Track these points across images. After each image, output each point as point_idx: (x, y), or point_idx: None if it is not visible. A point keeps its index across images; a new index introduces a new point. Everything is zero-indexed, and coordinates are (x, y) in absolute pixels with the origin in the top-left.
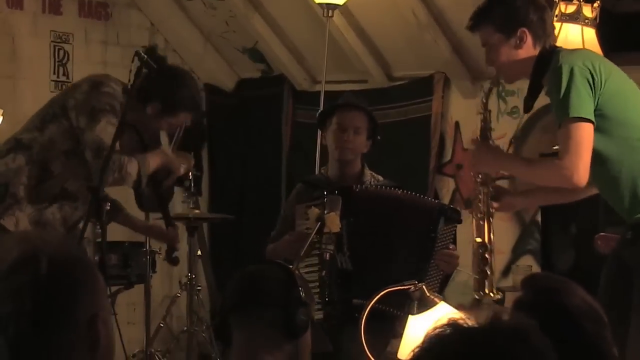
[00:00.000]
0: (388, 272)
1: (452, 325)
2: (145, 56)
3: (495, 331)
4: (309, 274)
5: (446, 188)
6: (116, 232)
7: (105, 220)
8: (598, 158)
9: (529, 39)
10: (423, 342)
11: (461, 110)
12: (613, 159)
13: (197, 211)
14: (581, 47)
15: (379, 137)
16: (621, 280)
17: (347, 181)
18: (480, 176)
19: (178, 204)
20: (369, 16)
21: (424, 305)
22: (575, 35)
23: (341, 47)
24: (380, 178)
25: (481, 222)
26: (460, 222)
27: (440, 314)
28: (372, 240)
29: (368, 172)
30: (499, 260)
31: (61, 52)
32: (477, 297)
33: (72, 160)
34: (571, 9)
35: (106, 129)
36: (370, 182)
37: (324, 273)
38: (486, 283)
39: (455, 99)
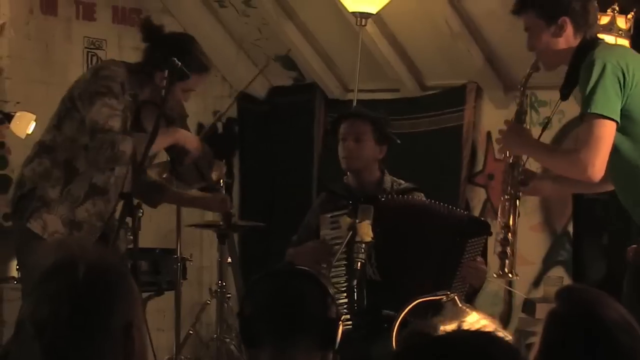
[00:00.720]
0: (415, 282)
1: (429, 332)
2: (180, 64)
3: (459, 340)
4: (336, 283)
5: (477, 198)
6: (147, 239)
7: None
8: (618, 159)
9: (569, 28)
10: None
11: (493, 121)
12: (633, 162)
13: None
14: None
15: (398, 141)
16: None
17: (367, 189)
18: (512, 158)
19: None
20: (402, 25)
21: (456, 315)
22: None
23: (374, 55)
24: (402, 182)
25: (507, 204)
26: (489, 234)
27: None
28: (399, 250)
29: (388, 178)
30: (530, 271)
31: (94, 59)
32: (495, 275)
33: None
34: (605, 20)
35: (100, 110)
36: (392, 187)
37: (354, 282)
38: (507, 263)
39: (487, 109)
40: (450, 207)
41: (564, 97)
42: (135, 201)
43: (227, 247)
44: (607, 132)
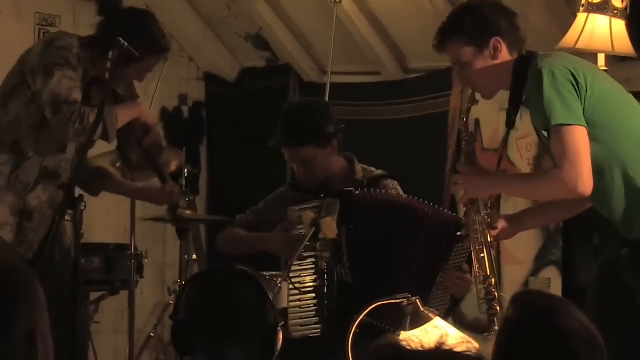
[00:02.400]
0: (392, 286)
1: (394, 347)
2: (126, 44)
3: (438, 357)
4: (303, 283)
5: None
6: (100, 234)
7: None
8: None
9: (504, 48)
10: None
11: (482, 107)
12: (604, 168)
13: (188, 212)
14: (609, 40)
15: (342, 125)
16: (621, 298)
17: (336, 183)
18: (470, 205)
19: None
20: (383, 3)
21: (418, 320)
22: (603, 27)
23: (351, 35)
24: (373, 169)
25: (481, 255)
26: None
27: (434, 329)
28: (375, 250)
29: (359, 167)
30: (520, 271)
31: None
32: (486, 335)
33: (43, 133)
34: None
35: (61, 82)
36: (363, 176)
37: (318, 283)
38: (496, 321)
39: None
40: (436, 206)
41: (511, 124)
42: (78, 192)
43: (193, 243)
44: (581, 140)
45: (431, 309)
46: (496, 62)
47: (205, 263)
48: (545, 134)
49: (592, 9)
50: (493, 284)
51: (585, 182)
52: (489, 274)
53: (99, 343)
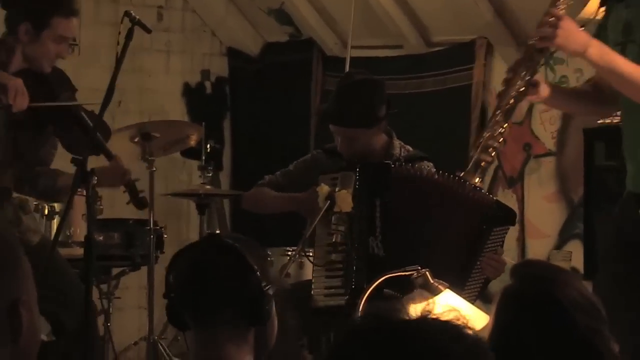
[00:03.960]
0: (425, 262)
1: (377, 317)
2: (137, 17)
3: (424, 327)
4: (319, 257)
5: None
6: (120, 209)
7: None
8: None
9: None
10: (344, 336)
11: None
12: None
13: (208, 187)
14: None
15: (395, 110)
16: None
17: (374, 156)
18: (538, 51)
19: (196, 178)
20: None
21: (427, 292)
22: None
23: (373, 9)
24: (410, 149)
25: (511, 102)
26: (513, 224)
27: (444, 302)
28: (410, 226)
29: (397, 143)
30: (544, 245)
31: None
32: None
33: None
34: None
35: None
36: (400, 153)
37: (334, 257)
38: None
39: (498, 67)
40: (476, 187)
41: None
42: (90, 167)
43: (217, 218)
44: None
45: (441, 282)
46: None
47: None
48: None
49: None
50: (498, 130)
51: None
52: (501, 119)
53: (121, 318)
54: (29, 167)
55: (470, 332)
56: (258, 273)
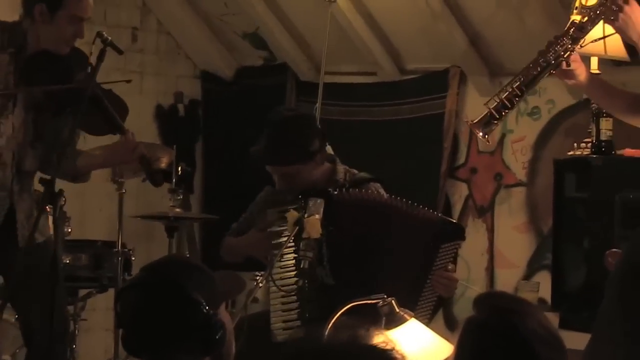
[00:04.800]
0: (375, 289)
1: (310, 341)
2: (109, 38)
3: (350, 351)
4: (286, 284)
5: (458, 194)
6: (89, 231)
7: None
8: None
9: None
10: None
11: (477, 109)
12: None
13: (177, 210)
14: (602, 43)
15: (326, 139)
16: None
17: (317, 184)
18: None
19: (166, 201)
20: (378, 2)
21: (393, 321)
22: (595, 30)
23: (348, 35)
24: (355, 171)
25: (538, 69)
26: (463, 239)
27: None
28: (357, 252)
29: (341, 168)
30: (513, 275)
31: None
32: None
33: None
34: (593, 0)
35: None
36: (345, 178)
37: (301, 283)
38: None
39: (471, 96)
40: (420, 206)
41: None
42: (57, 188)
43: (187, 241)
44: None
45: (406, 310)
46: None
47: (199, 261)
48: None
49: (586, 11)
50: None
51: None
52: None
53: (88, 340)
54: (51, 149)
55: (399, 356)
56: (203, 303)
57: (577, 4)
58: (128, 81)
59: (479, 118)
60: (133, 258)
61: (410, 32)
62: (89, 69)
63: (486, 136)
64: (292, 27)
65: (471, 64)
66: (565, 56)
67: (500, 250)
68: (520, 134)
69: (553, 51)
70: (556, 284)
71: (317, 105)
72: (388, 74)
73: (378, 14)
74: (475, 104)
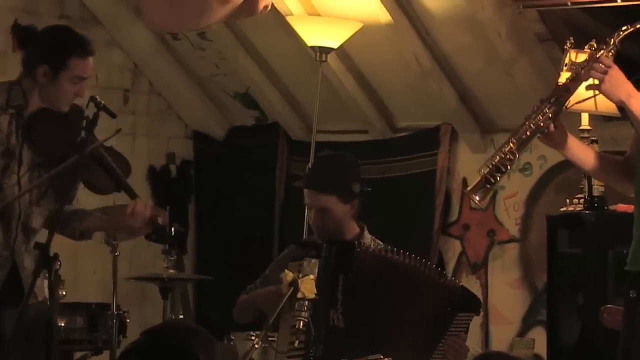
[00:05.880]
0: (386, 338)
1: None
2: (102, 102)
3: None
4: (283, 344)
5: (452, 251)
6: (83, 293)
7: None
8: None
9: None
10: None
11: (469, 166)
12: None
13: (171, 271)
14: (592, 99)
15: (368, 189)
16: None
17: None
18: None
19: (160, 262)
20: (369, 61)
21: None
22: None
23: (339, 93)
24: (381, 243)
25: (527, 133)
26: (478, 313)
27: None
28: (372, 301)
29: (368, 236)
30: (508, 332)
31: None
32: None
33: None
34: (582, 57)
35: None
36: (370, 247)
37: (296, 344)
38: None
39: (462, 153)
40: (443, 272)
41: None
42: (52, 252)
43: (181, 301)
44: None
45: None
46: None
47: (193, 321)
48: None
49: (575, 68)
50: (509, 157)
51: None
52: (514, 148)
53: None
54: (58, 206)
55: None
56: None
57: (566, 61)
58: (118, 130)
59: (474, 184)
60: (128, 320)
61: (400, 90)
62: (82, 133)
63: (482, 201)
64: (283, 86)
65: (462, 121)
66: (552, 118)
67: (495, 307)
68: (513, 190)
69: (541, 113)
70: (551, 340)
71: (309, 164)
72: (379, 131)
73: (368, 72)
74: (466, 161)
